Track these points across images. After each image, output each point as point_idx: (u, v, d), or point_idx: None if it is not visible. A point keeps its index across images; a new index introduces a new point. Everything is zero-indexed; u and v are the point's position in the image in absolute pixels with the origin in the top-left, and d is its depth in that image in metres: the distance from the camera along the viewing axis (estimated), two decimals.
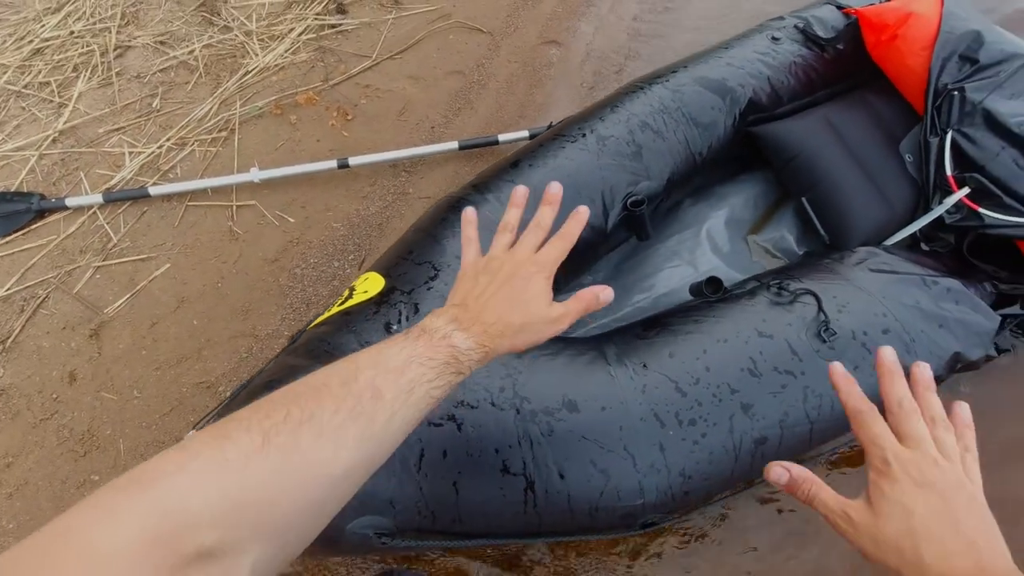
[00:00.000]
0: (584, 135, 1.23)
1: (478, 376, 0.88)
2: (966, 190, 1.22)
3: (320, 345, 0.92)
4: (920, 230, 1.29)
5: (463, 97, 1.77)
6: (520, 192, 0.72)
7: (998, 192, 1.19)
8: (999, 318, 1.10)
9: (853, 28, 1.40)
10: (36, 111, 1.69)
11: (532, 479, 0.86)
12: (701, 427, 0.90)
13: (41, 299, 1.38)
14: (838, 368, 0.63)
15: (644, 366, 0.94)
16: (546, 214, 0.70)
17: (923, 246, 1.30)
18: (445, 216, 1.11)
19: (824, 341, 0.97)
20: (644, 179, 1.23)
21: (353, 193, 1.58)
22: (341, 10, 1.94)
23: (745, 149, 1.41)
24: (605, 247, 1.27)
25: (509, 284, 0.61)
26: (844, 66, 1.43)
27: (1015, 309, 1.24)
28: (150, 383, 1.28)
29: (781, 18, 1.50)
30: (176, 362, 1.30)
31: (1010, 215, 1.18)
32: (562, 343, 0.99)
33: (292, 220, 1.52)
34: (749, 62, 1.38)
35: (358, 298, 1.00)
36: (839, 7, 1.46)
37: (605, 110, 1.29)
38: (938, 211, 1.23)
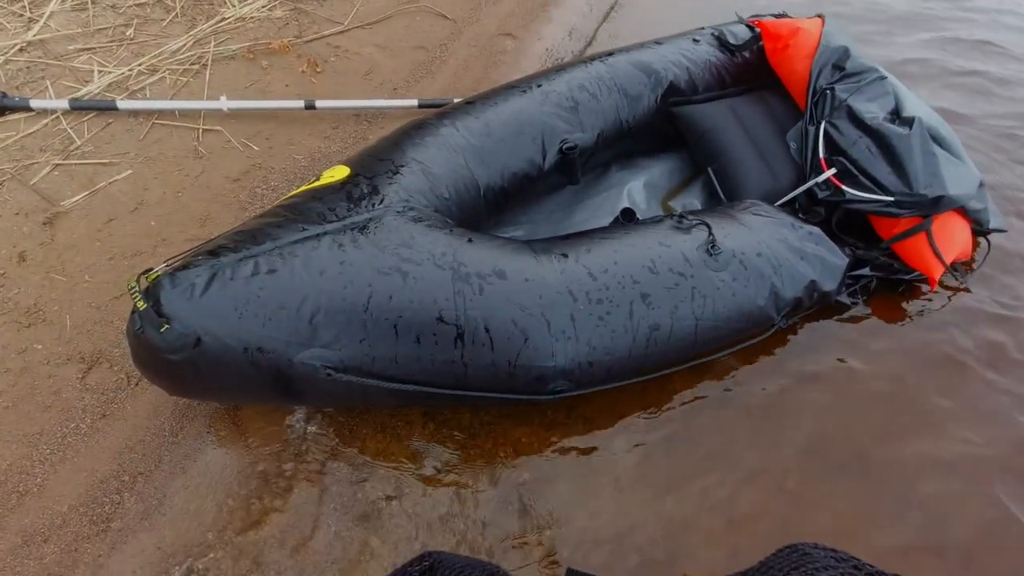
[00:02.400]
0: (531, 86, 1.44)
1: (423, 240, 1.03)
2: (833, 170, 1.50)
3: (288, 205, 1.05)
4: (798, 201, 1.56)
5: (424, 68, 1.96)
6: None
7: (856, 172, 1.47)
8: (847, 258, 1.36)
9: (756, 38, 1.70)
10: (4, 22, 1.73)
11: (462, 329, 1.00)
12: (606, 306, 1.08)
13: None
14: None
15: (564, 255, 1.12)
16: None
17: (800, 215, 1.57)
18: (407, 130, 1.28)
19: (711, 255, 1.18)
20: (578, 131, 1.44)
21: (317, 133, 1.71)
22: None
23: (667, 128, 1.65)
24: (542, 184, 1.45)
25: None
26: (749, 70, 1.73)
27: (865, 271, 1.52)
28: (102, 270, 1.33)
29: (702, 28, 1.79)
30: (131, 255, 1.37)
31: (865, 192, 1.47)
32: (496, 238, 1.16)
33: (256, 148, 1.63)
34: (673, 53, 1.64)
35: (325, 180, 1.13)
36: (747, 23, 1.76)
37: (551, 72, 1.51)
38: (809, 184, 1.50)
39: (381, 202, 1.08)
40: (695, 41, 1.71)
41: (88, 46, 1.73)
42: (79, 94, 1.62)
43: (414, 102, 1.75)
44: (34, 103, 1.54)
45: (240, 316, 0.93)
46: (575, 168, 1.46)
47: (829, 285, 1.32)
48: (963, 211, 1.50)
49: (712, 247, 1.19)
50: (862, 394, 1.38)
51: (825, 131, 1.53)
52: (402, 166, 1.16)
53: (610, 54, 1.60)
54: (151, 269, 0.96)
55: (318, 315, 0.96)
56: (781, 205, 1.53)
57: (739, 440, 1.29)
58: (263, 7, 1.96)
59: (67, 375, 1.19)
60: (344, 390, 1.02)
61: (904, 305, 1.57)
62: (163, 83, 1.70)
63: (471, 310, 1.01)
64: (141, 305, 0.91)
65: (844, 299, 1.47)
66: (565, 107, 1.43)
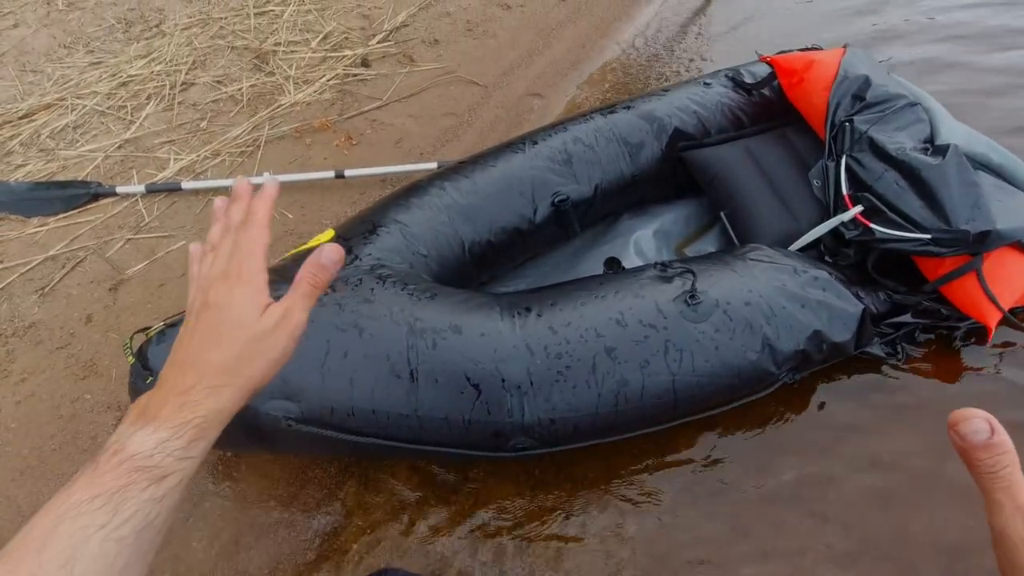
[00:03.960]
0: (524, 143, 1.48)
1: (383, 297, 1.08)
2: (859, 207, 1.37)
3: (276, 268, 1.15)
4: (824, 244, 1.43)
5: (452, 133, 2.08)
6: (239, 188, 0.59)
7: (884, 208, 1.33)
8: (862, 306, 1.21)
9: (772, 75, 1.62)
10: (111, 125, 2.09)
11: (416, 383, 1.02)
12: (566, 360, 1.05)
13: (79, 260, 1.68)
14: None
15: (528, 309, 1.11)
16: (235, 212, 0.56)
17: (826, 258, 1.43)
18: (397, 193, 1.36)
19: (688, 305, 1.12)
20: (572, 183, 1.45)
21: (345, 199, 1.86)
22: (366, 64, 2.34)
23: (679, 174, 1.61)
24: (537, 238, 1.45)
25: (205, 315, 0.51)
26: (768, 108, 1.65)
27: (906, 317, 1.34)
28: None
29: (717, 72, 1.75)
30: (173, 314, 1.55)
31: (895, 229, 1.32)
32: (465, 292, 1.18)
33: (291, 216, 1.80)
34: (679, 99, 1.61)
35: (312, 243, 1.23)
36: (762, 60, 1.69)
37: (547, 128, 1.54)
38: (832, 223, 1.38)
39: (352, 262, 1.15)
40: (706, 84, 1.67)
41: (170, 139, 2.04)
42: (156, 179, 1.90)
43: (433, 165, 1.86)
44: (119, 189, 1.83)
45: None
46: (570, 220, 1.45)
47: (840, 336, 1.18)
48: (1021, 246, 1.29)
49: (691, 297, 1.12)
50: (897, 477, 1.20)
51: (847, 166, 1.41)
52: (381, 227, 1.24)
53: (612, 107, 1.61)
54: (148, 327, 1.09)
55: (283, 369, 1.02)
56: (801, 249, 1.42)
57: (751, 527, 1.17)
58: (314, 92, 2.20)
59: (104, 421, 1.35)
60: (309, 441, 1.06)
61: (961, 359, 1.35)
62: (223, 164, 1.96)
63: (423, 364, 1.03)
64: (130, 360, 1.03)
65: (876, 351, 1.30)
66: (558, 160, 1.45)
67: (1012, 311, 1.30)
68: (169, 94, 2.20)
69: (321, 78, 2.27)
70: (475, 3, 2.70)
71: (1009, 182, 1.38)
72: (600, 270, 1.51)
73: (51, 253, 1.68)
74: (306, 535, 1.21)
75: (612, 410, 1.07)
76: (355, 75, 2.29)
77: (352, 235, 1.21)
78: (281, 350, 0.51)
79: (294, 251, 1.24)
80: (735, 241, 1.49)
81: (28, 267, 1.63)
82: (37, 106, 2.11)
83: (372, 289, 1.09)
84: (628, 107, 1.59)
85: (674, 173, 1.60)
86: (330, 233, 1.25)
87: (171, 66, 2.30)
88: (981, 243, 1.24)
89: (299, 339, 0.52)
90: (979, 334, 1.39)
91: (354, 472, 1.28)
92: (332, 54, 2.40)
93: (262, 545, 1.20)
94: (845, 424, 1.30)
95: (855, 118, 1.41)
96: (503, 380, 1.03)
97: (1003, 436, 0.41)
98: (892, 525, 1.16)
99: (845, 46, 1.58)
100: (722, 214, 1.53)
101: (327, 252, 0.53)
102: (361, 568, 1.14)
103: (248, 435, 1.07)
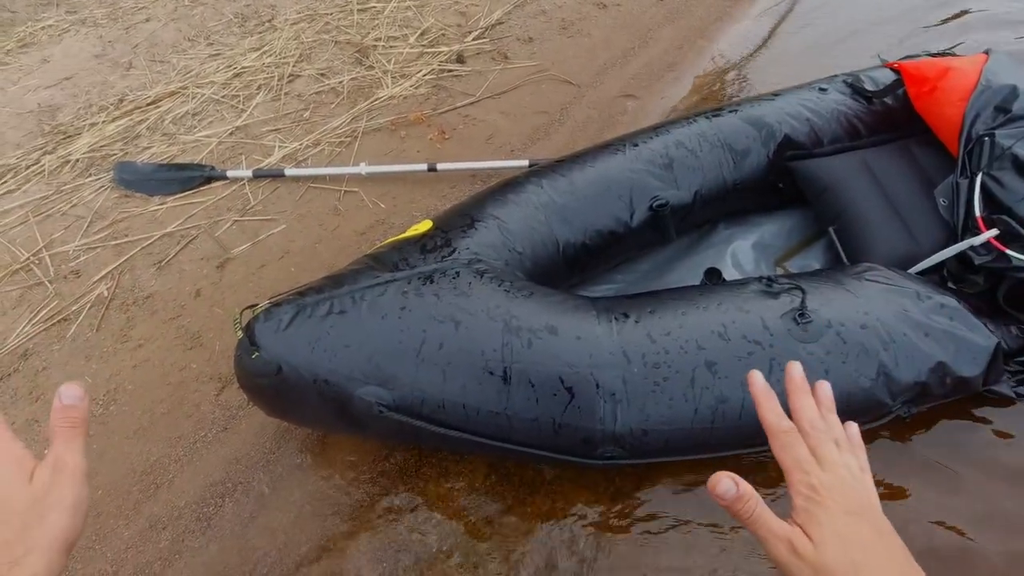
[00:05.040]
0: (624, 145, 1.44)
1: (480, 292, 1.08)
2: (994, 231, 1.25)
3: (372, 254, 1.19)
4: (948, 269, 1.31)
5: (543, 131, 2.06)
6: None
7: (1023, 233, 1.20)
8: (996, 339, 1.09)
9: (899, 83, 1.50)
10: (225, 113, 2.23)
11: (508, 381, 1.01)
12: (664, 371, 1.01)
13: (192, 237, 1.79)
14: (757, 379, 0.59)
15: (625, 315, 1.08)
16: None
17: (950, 285, 1.31)
18: (495, 188, 1.36)
19: (797, 323, 1.05)
20: (672, 188, 1.40)
21: (436, 193, 1.89)
22: (460, 60, 2.37)
23: (784, 183, 1.52)
24: (631, 242, 1.41)
25: None
26: (890, 118, 1.53)
27: None
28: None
29: (834, 76, 1.64)
30: (270, 294, 1.62)
31: None
32: (561, 293, 1.16)
33: (383, 206, 1.85)
34: (790, 104, 1.52)
35: (410, 232, 1.26)
36: (888, 66, 1.57)
37: (648, 130, 1.49)
38: (962, 246, 1.26)
39: (451, 254, 1.16)
40: (822, 90, 1.57)
41: (276, 128, 2.14)
42: (262, 165, 2.01)
43: (524, 162, 1.85)
44: (230, 173, 1.95)
45: (312, 350, 1.05)
46: (667, 226, 1.40)
47: (968, 370, 1.07)
48: None
49: (800, 315, 1.05)
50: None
51: (983, 184, 1.28)
52: (478, 221, 1.24)
53: (718, 110, 1.54)
54: (256, 305, 1.14)
55: (377, 355, 1.05)
56: (921, 272, 1.31)
57: None
58: (410, 86, 2.26)
59: (207, 391, 1.44)
60: (398, 428, 1.08)
61: None
62: (322, 153, 2.04)
63: (517, 363, 1.02)
64: (239, 334, 1.08)
65: (1005, 391, 1.17)
66: (658, 164, 1.40)
67: None
68: (277, 85, 2.31)
69: (417, 73, 2.32)
70: (570, 2, 2.68)
71: None
72: (693, 279, 1.45)
73: (168, 230, 1.81)
74: (383, 515, 1.24)
75: (708, 427, 1.02)
76: (450, 71, 2.33)
77: (451, 227, 1.22)
78: (72, 499, 0.50)
79: (392, 240, 1.27)
80: (843, 258, 1.39)
81: (148, 242, 1.76)
82: (163, 93, 2.27)
83: (470, 283, 1.10)
84: (735, 111, 1.52)
85: (779, 183, 1.52)
86: (427, 224, 1.26)
87: (280, 59, 2.43)
88: None
89: (85, 482, 0.51)
90: None
91: (433, 462, 1.29)
92: (429, 50, 2.44)
93: (346, 524, 1.24)
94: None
95: (997, 132, 1.28)
96: (597, 386, 1.00)
97: (746, 487, 0.53)
98: None
99: (987, 51, 1.44)
100: (831, 230, 1.43)
101: (65, 392, 0.53)
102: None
103: (339, 417, 1.10)
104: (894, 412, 1.09)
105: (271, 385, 1.08)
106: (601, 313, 1.09)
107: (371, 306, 1.07)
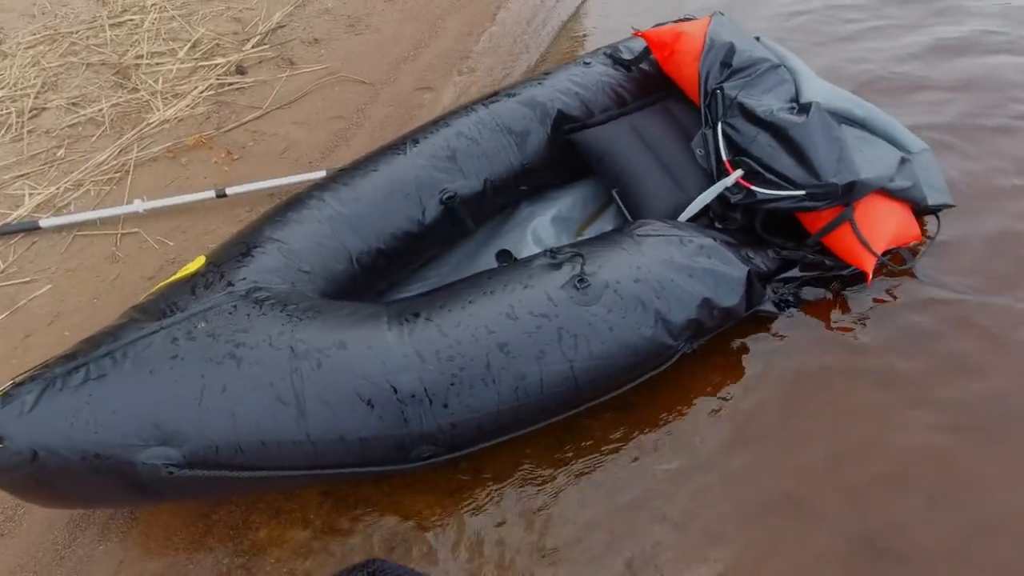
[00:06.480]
0: (405, 143, 1.43)
1: (261, 323, 1.01)
2: (739, 172, 1.41)
3: (138, 305, 1.06)
4: (713, 211, 1.47)
5: (341, 136, 1.99)
6: None
7: (761, 170, 1.38)
8: (747, 268, 1.25)
9: (647, 50, 1.64)
10: None
11: (303, 407, 0.96)
12: (459, 362, 1.03)
13: None
14: None
15: (416, 315, 1.08)
16: None
17: (716, 224, 1.47)
18: (273, 209, 1.28)
19: (578, 289, 1.11)
20: (459, 178, 1.41)
21: (232, 219, 1.74)
22: (241, 71, 2.20)
23: (571, 157, 1.60)
24: (431, 239, 1.41)
25: None
26: (648, 82, 1.67)
27: (795, 272, 1.40)
28: None
29: (596, 50, 1.75)
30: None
31: (773, 189, 1.37)
32: (352, 305, 1.13)
33: (171, 244, 1.68)
34: (560, 81, 1.60)
35: (181, 274, 1.14)
36: (634, 32, 1.71)
37: (428, 125, 1.49)
38: (715, 188, 1.41)
39: (225, 288, 1.07)
40: (586, 64, 1.67)
41: (22, 172, 1.84)
42: (10, 220, 1.72)
43: (322, 173, 1.77)
44: None
45: (71, 426, 0.92)
46: (461, 217, 1.42)
47: (729, 300, 1.21)
48: (888, 192, 1.37)
49: (580, 281, 1.12)
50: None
51: (723, 132, 1.45)
52: (256, 248, 1.16)
53: (493, 96, 1.58)
54: None
55: (153, 413, 0.95)
56: (692, 218, 1.45)
57: (661, 487, 1.19)
58: (186, 106, 2.05)
59: None
60: (200, 485, 0.99)
61: (845, 305, 1.43)
62: (88, 195, 1.79)
63: (309, 387, 0.97)
64: None
65: (769, 309, 1.35)
66: (441, 157, 1.41)
67: (886, 253, 1.38)
68: (17, 122, 1.99)
69: (193, 90, 2.11)
70: None
71: (876, 134, 1.46)
72: (496, 262, 1.49)
73: None
74: None
75: (513, 405, 1.06)
76: (231, 84, 2.15)
77: (224, 260, 1.13)
78: None
79: (160, 285, 1.14)
80: (627, 216, 1.50)
81: None
82: None
83: (248, 315, 1.02)
84: (510, 95, 1.56)
85: (565, 157, 1.60)
86: (200, 261, 1.16)
87: (16, 91, 2.08)
88: (849, 193, 1.31)
89: None
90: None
91: (262, 507, 1.21)
92: (203, 63, 2.24)
93: None
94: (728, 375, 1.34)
95: (725, 85, 1.45)
96: (396, 391, 0.99)
97: None
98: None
99: (712, 14, 1.62)
100: (614, 192, 1.54)
101: None
102: None
103: (128, 490, 0.98)
104: (680, 350, 1.21)
105: (30, 475, 0.93)
106: (392, 318, 1.07)
107: (135, 362, 0.96)
